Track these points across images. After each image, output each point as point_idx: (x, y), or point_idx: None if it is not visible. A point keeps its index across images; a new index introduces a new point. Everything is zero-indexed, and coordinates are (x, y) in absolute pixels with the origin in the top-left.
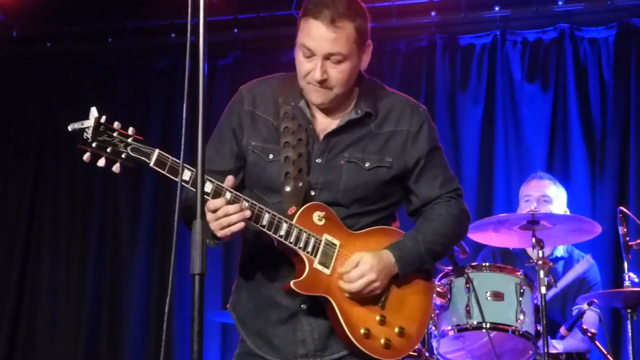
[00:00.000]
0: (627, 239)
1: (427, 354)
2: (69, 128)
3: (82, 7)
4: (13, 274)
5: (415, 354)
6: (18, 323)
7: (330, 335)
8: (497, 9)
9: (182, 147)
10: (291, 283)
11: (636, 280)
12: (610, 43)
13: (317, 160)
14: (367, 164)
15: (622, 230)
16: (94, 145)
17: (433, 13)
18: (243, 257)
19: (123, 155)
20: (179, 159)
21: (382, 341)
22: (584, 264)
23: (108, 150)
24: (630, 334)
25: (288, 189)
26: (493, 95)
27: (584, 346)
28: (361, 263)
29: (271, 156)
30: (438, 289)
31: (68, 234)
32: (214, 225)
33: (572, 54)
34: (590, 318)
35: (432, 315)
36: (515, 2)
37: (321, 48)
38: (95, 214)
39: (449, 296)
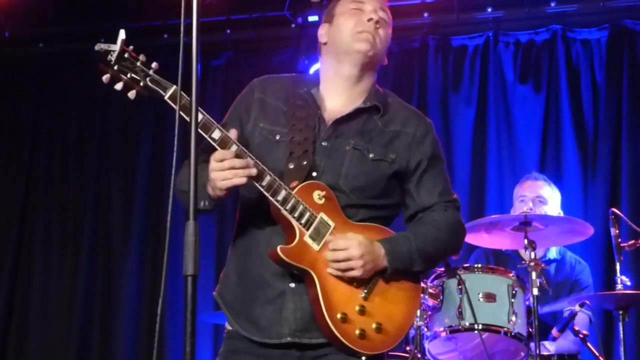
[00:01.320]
0: (619, 240)
1: (419, 355)
2: (95, 47)
3: (75, 7)
4: (5, 275)
5: (407, 355)
6: (9, 324)
7: (312, 318)
8: (489, 10)
9: (175, 148)
10: (278, 248)
11: (628, 283)
12: (603, 44)
13: (322, 144)
14: (371, 155)
15: (614, 231)
16: (115, 68)
17: (425, 14)
18: (235, 241)
19: (141, 83)
20: (172, 158)
21: (358, 331)
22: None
23: (128, 75)
24: (622, 335)
25: (291, 166)
26: (485, 96)
27: (575, 348)
28: (352, 237)
29: (278, 137)
30: (430, 290)
31: (60, 234)
32: (216, 175)
33: (564, 55)
34: (582, 320)
35: (425, 316)
36: (507, 3)
37: (374, 3)
38: (88, 214)
39: (441, 297)
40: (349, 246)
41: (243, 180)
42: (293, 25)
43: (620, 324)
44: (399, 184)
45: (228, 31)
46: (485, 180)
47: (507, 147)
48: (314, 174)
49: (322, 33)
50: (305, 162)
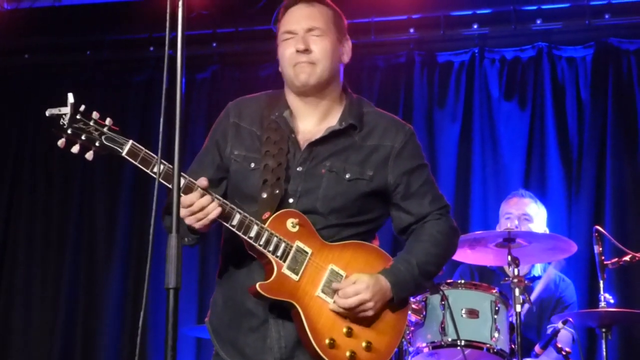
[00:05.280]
0: (603, 258)
1: None
2: (47, 113)
3: (61, 19)
4: None
5: None
6: None
7: (297, 346)
8: (475, 26)
9: (159, 162)
10: (256, 285)
11: (611, 301)
12: (588, 62)
13: (297, 169)
14: (347, 175)
15: (597, 249)
16: (69, 131)
17: (412, 30)
18: (221, 268)
19: (97, 143)
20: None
21: (348, 353)
22: (550, 277)
23: (82, 137)
24: (604, 353)
25: (264, 195)
26: (470, 112)
27: None
28: (358, 282)
29: (253, 165)
30: (413, 306)
31: (43, 245)
32: (190, 220)
33: (549, 73)
34: (565, 337)
35: (407, 332)
36: (493, 20)
37: (300, 24)
38: (71, 226)
39: (424, 313)
40: (359, 291)
41: (218, 210)
42: None
43: (603, 342)
44: (379, 198)
45: (214, 44)
46: (470, 196)
47: (491, 164)
48: (291, 200)
49: (278, 58)
50: (277, 191)
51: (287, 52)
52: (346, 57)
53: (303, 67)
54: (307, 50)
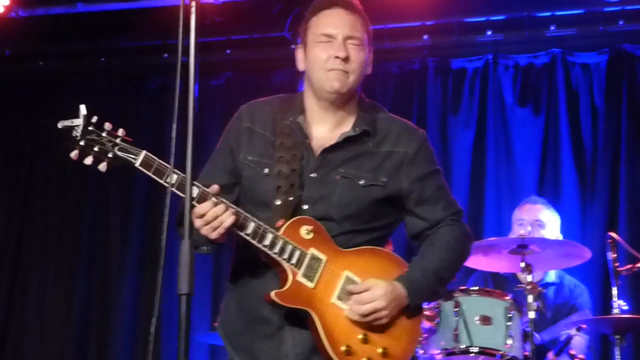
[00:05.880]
0: (617, 264)
1: None
2: (59, 125)
3: (75, 26)
4: (1, 287)
5: None
6: (4, 345)
7: (313, 352)
8: (489, 33)
9: (171, 171)
10: (272, 293)
11: (625, 307)
12: (602, 68)
13: (312, 175)
14: (361, 181)
15: (611, 255)
16: (81, 143)
17: (425, 36)
18: (233, 273)
19: (110, 155)
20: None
21: None
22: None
23: (95, 148)
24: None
25: (278, 202)
26: (484, 118)
27: None
28: (374, 287)
29: (266, 170)
30: (426, 313)
31: (57, 251)
32: (206, 230)
33: (563, 79)
34: (579, 343)
35: (420, 338)
36: (507, 26)
37: (342, 30)
38: (85, 231)
39: (437, 320)
40: (374, 298)
41: (232, 219)
42: (293, 46)
43: (617, 349)
44: (393, 204)
45: (228, 51)
46: (484, 202)
47: (505, 170)
48: (305, 206)
49: (299, 59)
50: (291, 198)
51: (323, 55)
52: (370, 68)
53: (338, 75)
54: (347, 59)
